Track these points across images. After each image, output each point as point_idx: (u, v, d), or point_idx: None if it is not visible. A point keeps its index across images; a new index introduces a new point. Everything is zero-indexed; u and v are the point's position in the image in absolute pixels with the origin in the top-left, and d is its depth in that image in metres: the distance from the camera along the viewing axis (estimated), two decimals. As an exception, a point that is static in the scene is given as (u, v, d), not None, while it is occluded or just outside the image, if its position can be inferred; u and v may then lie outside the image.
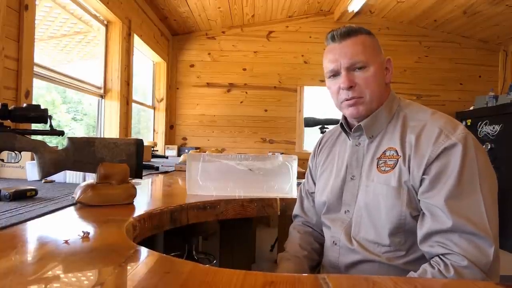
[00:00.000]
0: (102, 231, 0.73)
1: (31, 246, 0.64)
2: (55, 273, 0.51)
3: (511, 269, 2.85)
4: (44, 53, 2.70)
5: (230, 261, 1.52)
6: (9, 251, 0.59)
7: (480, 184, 0.75)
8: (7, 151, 1.23)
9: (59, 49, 2.96)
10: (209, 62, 4.66)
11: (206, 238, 3.15)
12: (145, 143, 2.73)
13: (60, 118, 3.14)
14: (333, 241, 0.95)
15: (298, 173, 1.39)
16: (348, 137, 1.01)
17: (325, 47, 0.97)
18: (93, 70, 3.02)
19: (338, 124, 1.06)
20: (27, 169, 1.46)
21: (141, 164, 1.10)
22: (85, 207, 0.96)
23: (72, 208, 0.95)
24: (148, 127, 4.49)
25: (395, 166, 0.85)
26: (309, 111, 4.62)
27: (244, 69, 4.64)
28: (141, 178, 1.12)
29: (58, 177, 1.42)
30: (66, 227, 0.77)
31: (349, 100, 0.92)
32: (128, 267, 0.55)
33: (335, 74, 0.94)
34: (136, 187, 1.07)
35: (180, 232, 1.86)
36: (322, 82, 4.36)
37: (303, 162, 2.04)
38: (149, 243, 1.10)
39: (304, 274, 0.73)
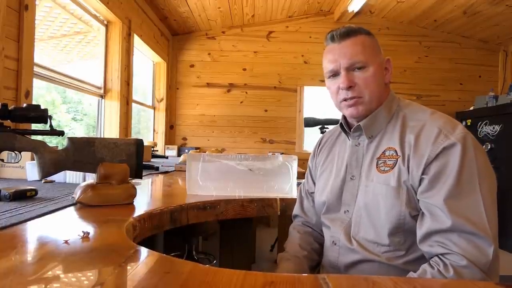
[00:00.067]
0: (102, 231, 0.73)
1: (31, 246, 0.64)
2: (55, 273, 0.51)
3: (511, 269, 2.85)
4: (44, 53, 2.70)
5: (230, 261, 1.52)
6: (9, 251, 0.59)
7: (479, 183, 0.75)
8: (7, 151, 1.24)
9: (59, 49, 2.96)
10: (209, 62, 4.66)
11: (206, 238, 3.15)
12: (145, 143, 2.73)
13: (60, 118, 3.14)
14: (333, 241, 0.95)
15: (298, 173, 1.39)
16: (348, 137, 1.01)
17: (325, 47, 0.97)
18: (93, 70, 3.02)
19: (338, 124, 1.06)
20: (27, 169, 1.46)
21: (141, 164, 1.10)
22: (85, 207, 0.96)
23: (72, 208, 0.95)
24: (148, 127, 4.49)
25: (395, 166, 0.85)
26: (309, 111, 4.62)
27: (244, 69, 4.64)
28: (141, 178, 1.12)
29: (58, 177, 1.42)
30: (66, 227, 0.77)
31: (348, 100, 0.92)
32: (128, 267, 0.55)
33: (334, 74, 0.94)
34: (136, 187, 1.07)
35: (180, 232, 1.86)
36: (322, 82, 4.36)
37: (303, 162, 2.04)
38: (149, 243, 1.10)
39: (304, 274, 0.73)
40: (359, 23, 4.39)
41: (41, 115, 1.01)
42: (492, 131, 3.70)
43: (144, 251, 0.62)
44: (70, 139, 1.03)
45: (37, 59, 2.02)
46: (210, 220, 1.17)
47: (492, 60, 4.68)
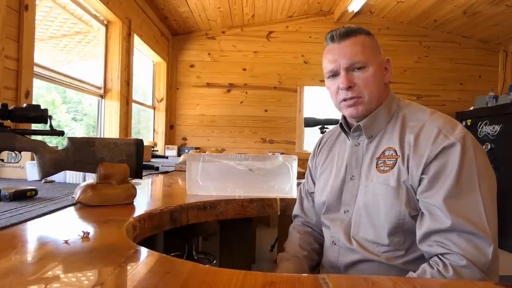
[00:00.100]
0: (102, 231, 0.73)
1: (31, 246, 0.64)
2: (55, 273, 0.52)
3: (511, 269, 2.85)
4: (44, 53, 2.70)
5: (230, 261, 1.52)
6: (9, 251, 0.59)
7: (479, 183, 0.75)
8: (7, 151, 1.24)
9: (59, 49, 2.96)
10: (209, 62, 4.66)
11: (206, 238, 3.15)
12: (145, 143, 2.73)
13: (60, 118, 3.14)
14: (333, 241, 0.95)
15: (298, 173, 1.39)
16: (348, 137, 1.01)
17: (325, 48, 0.97)
18: (93, 70, 3.02)
19: (338, 124, 1.06)
20: (27, 169, 1.46)
21: (141, 164, 1.10)
22: (85, 207, 0.96)
23: (72, 208, 0.95)
24: (148, 127, 4.49)
25: (394, 166, 0.85)
26: (309, 111, 4.62)
27: (244, 69, 4.64)
28: (141, 178, 1.12)
29: (58, 177, 1.42)
30: (66, 227, 0.77)
31: (348, 100, 0.92)
32: (128, 267, 0.55)
33: (334, 74, 0.94)
34: (136, 187, 1.07)
35: (180, 232, 1.86)
36: (322, 82, 4.36)
37: (303, 162, 2.04)
38: (149, 243, 1.10)
39: (304, 274, 0.74)
40: (359, 23, 4.39)
41: (41, 115, 1.01)
42: (492, 131, 3.70)
43: (144, 251, 0.62)
44: (70, 139, 1.03)
45: (37, 59, 2.02)
46: (210, 220, 1.17)
47: (492, 60, 4.68)
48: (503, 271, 0.84)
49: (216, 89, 4.65)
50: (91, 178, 1.28)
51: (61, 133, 1.06)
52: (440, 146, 0.79)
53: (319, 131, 2.21)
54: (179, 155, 4.17)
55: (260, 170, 1.30)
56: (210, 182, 1.27)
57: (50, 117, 1.03)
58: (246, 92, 4.64)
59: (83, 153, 1.03)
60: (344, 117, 1.00)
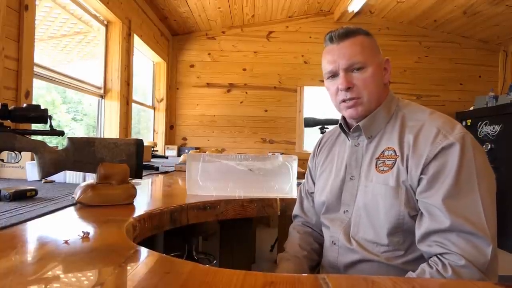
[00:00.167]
0: (102, 231, 0.73)
1: (31, 246, 0.64)
2: (55, 273, 0.52)
3: (511, 269, 2.85)
4: (44, 53, 2.70)
5: (230, 261, 1.52)
6: (9, 251, 0.59)
7: (478, 183, 0.75)
8: (7, 151, 1.24)
9: (59, 49, 2.97)
10: (209, 62, 4.66)
11: (206, 238, 3.15)
12: (145, 143, 2.73)
13: (60, 118, 3.14)
14: (332, 241, 0.95)
15: (298, 173, 1.39)
16: (347, 138, 1.01)
17: (324, 48, 0.97)
18: (93, 70, 3.02)
19: (338, 125, 1.06)
20: (27, 169, 1.46)
21: (141, 164, 1.10)
22: (85, 207, 0.96)
23: (72, 208, 0.95)
24: (148, 127, 4.49)
25: (394, 166, 0.85)
26: (309, 111, 4.62)
27: (244, 69, 4.65)
28: (141, 178, 1.12)
29: (58, 177, 1.42)
30: (66, 227, 0.77)
31: (347, 101, 0.92)
32: (128, 267, 0.55)
33: (333, 75, 0.94)
34: (136, 187, 1.07)
35: (180, 232, 1.86)
36: (322, 82, 4.35)
37: (303, 162, 2.04)
38: (149, 243, 1.10)
39: (304, 274, 0.74)
40: (359, 23, 4.39)
41: (41, 115, 1.01)
42: (492, 131, 3.70)
43: (144, 251, 0.62)
44: (70, 139, 1.03)
45: (37, 59, 2.02)
46: (210, 220, 1.17)
47: (492, 60, 4.68)
48: (503, 271, 0.84)
49: (216, 89, 4.65)
50: (91, 178, 1.28)
51: (61, 133, 1.06)
52: (439, 146, 0.79)
53: (319, 131, 2.21)
54: (179, 155, 4.17)
55: (260, 170, 1.30)
56: (210, 182, 1.27)
57: (50, 117, 1.03)
58: (246, 92, 4.64)
59: (83, 153, 1.03)
60: (343, 118, 1.01)
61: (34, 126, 1.76)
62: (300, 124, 4.58)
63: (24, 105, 1.02)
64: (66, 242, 0.64)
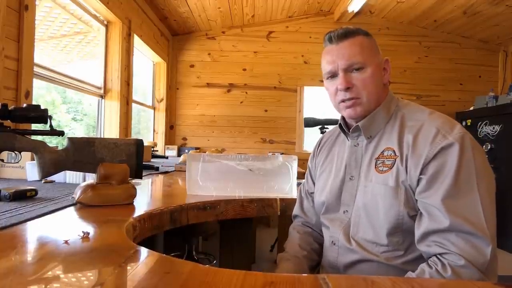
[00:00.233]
0: (102, 231, 0.73)
1: (31, 246, 0.65)
2: (55, 273, 0.52)
3: (511, 269, 2.85)
4: (44, 53, 2.70)
5: (230, 261, 1.52)
6: (9, 251, 0.59)
7: (477, 183, 0.75)
8: (7, 151, 1.24)
9: (59, 49, 2.97)
10: (209, 62, 4.66)
11: (206, 238, 3.15)
12: (145, 143, 2.73)
13: (60, 118, 3.14)
14: (332, 241, 0.95)
15: (298, 173, 1.39)
16: (347, 138, 1.01)
17: (323, 49, 0.97)
18: (93, 70, 3.02)
19: (337, 125, 1.06)
20: (27, 169, 1.46)
21: (141, 164, 1.10)
22: (85, 207, 0.96)
23: (72, 208, 0.95)
24: (148, 127, 4.49)
25: (393, 166, 0.85)
26: (309, 111, 4.62)
27: (244, 69, 4.65)
28: (141, 178, 1.12)
29: (58, 177, 1.42)
30: (66, 227, 0.77)
31: (346, 101, 0.92)
32: (128, 267, 0.55)
33: (333, 75, 0.94)
34: (136, 187, 1.07)
35: (180, 232, 1.86)
36: (322, 82, 4.34)
37: (303, 162, 2.04)
38: (149, 243, 1.10)
39: (304, 274, 0.74)
40: (359, 23, 4.39)
41: (41, 115, 1.01)
42: (492, 131, 3.70)
43: (144, 251, 0.62)
44: (70, 139, 1.03)
45: (37, 59, 2.02)
46: (210, 220, 1.17)
47: (492, 60, 4.68)
48: (502, 271, 0.84)
49: (216, 89, 4.65)
50: (91, 178, 1.28)
51: (61, 133, 1.06)
52: (439, 146, 0.79)
53: (319, 131, 2.21)
54: (179, 155, 4.17)
55: (260, 170, 1.30)
56: (210, 182, 1.28)
57: (50, 117, 1.03)
58: (246, 92, 4.64)
59: (83, 153, 1.03)
60: (343, 118, 1.01)
61: (34, 126, 1.76)
62: (300, 124, 4.58)
63: (24, 105, 1.02)
64: (66, 242, 0.64)
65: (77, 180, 1.41)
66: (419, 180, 0.80)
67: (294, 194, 1.28)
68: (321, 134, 1.42)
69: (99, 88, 3.01)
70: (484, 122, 3.81)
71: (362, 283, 0.52)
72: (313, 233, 1.10)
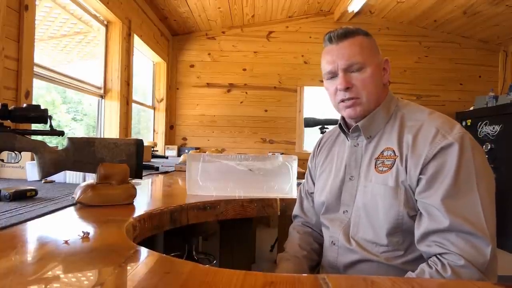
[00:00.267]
0: (102, 231, 0.74)
1: (31, 246, 0.65)
2: (55, 273, 0.52)
3: (511, 269, 2.85)
4: (44, 53, 2.70)
5: (230, 261, 1.52)
6: (9, 251, 0.59)
7: (477, 183, 0.75)
8: (7, 151, 1.24)
9: (59, 49, 2.97)
10: (209, 62, 4.66)
11: (206, 238, 3.15)
12: (145, 143, 2.73)
13: (60, 118, 3.14)
14: (332, 241, 0.95)
15: (298, 173, 1.39)
16: (347, 138, 1.01)
17: (323, 49, 0.97)
18: (93, 70, 3.02)
19: (337, 125, 1.06)
20: (27, 169, 1.46)
21: (141, 164, 1.10)
22: (85, 207, 0.96)
23: (72, 208, 0.95)
24: (148, 127, 4.49)
25: (393, 166, 0.85)
26: (309, 111, 4.63)
27: (244, 69, 4.65)
28: (141, 178, 1.13)
29: (58, 177, 1.42)
30: (66, 227, 0.77)
31: (346, 101, 0.92)
32: (128, 267, 0.55)
33: (332, 75, 0.94)
34: (136, 187, 1.07)
35: (180, 232, 1.86)
36: (322, 82, 4.34)
37: (303, 162, 2.04)
38: (149, 243, 1.10)
39: (304, 275, 0.74)
40: (359, 23, 4.39)
41: (41, 115, 1.01)
42: (492, 131, 3.70)
43: (144, 251, 0.62)
44: (70, 139, 1.03)
45: (37, 59, 2.02)
46: (210, 220, 1.17)
47: (492, 60, 4.68)
48: (502, 271, 0.84)
49: (216, 89, 4.65)
50: (91, 178, 1.28)
51: (61, 133, 1.06)
52: (438, 146, 0.79)
53: (319, 131, 2.21)
54: (179, 155, 4.17)
55: (260, 170, 1.30)
56: (210, 182, 1.28)
57: (50, 117, 1.03)
58: (246, 92, 4.64)
59: (83, 153, 1.03)
60: (343, 118, 1.01)
61: (34, 126, 1.76)
62: (300, 124, 4.58)
63: (24, 105, 1.02)
64: (66, 242, 0.64)
65: (77, 180, 1.41)
66: (418, 180, 0.80)
67: (294, 194, 1.28)
68: (321, 134, 1.42)
69: (99, 88, 3.01)
70: (484, 122, 3.81)
71: (362, 283, 0.52)
72: (313, 233, 1.10)
